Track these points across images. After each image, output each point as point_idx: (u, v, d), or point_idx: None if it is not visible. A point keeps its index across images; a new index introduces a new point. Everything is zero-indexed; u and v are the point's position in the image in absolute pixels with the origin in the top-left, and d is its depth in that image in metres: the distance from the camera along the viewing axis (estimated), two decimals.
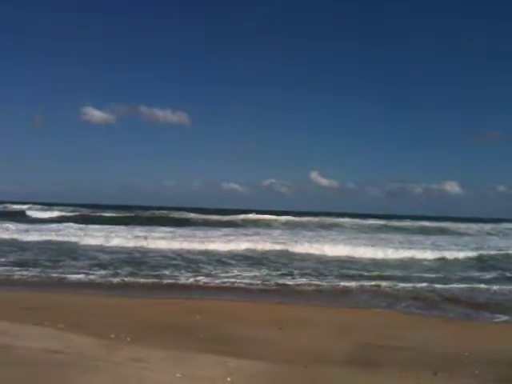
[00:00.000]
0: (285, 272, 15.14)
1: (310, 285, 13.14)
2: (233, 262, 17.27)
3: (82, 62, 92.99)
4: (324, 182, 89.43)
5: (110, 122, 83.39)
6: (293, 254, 20.35)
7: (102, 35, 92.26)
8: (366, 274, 15.44)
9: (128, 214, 46.06)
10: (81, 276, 13.13)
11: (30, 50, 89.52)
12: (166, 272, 14.30)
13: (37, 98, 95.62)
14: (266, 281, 13.46)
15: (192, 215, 47.68)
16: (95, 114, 77.54)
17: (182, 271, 14.51)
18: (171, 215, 47.74)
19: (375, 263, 18.51)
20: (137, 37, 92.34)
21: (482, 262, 19.53)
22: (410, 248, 22.10)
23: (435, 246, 24.40)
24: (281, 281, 13.55)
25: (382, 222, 46.42)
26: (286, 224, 43.78)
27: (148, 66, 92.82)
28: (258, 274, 14.51)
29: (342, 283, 13.37)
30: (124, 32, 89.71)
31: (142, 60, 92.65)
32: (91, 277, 13.12)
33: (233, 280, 13.35)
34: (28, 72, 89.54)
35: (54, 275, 13.19)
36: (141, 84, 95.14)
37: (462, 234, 38.69)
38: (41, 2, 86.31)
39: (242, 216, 47.76)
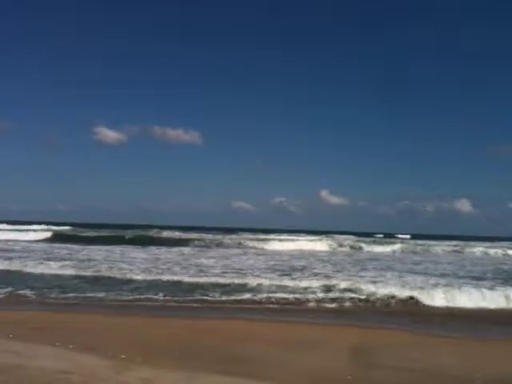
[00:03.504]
0: None
1: None
2: None
3: (95, 81, 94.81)
4: (334, 200, 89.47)
5: (122, 141, 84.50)
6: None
7: (114, 56, 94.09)
8: None
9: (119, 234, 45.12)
10: None
11: (44, 70, 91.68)
12: None
13: (50, 118, 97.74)
14: None
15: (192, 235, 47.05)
16: (108, 134, 78.63)
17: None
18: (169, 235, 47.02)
19: None
20: (147, 58, 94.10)
21: None
22: None
23: None
24: None
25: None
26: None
27: (160, 86, 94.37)
28: None
29: None
30: (135, 53, 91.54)
31: (154, 80, 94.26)
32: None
33: None
34: (41, 91, 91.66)
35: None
36: (153, 103, 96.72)
37: None
38: (57, 24, 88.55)
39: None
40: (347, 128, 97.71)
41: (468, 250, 40.84)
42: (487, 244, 45.81)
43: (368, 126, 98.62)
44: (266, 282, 16.38)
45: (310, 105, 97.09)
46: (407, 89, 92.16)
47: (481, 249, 40.84)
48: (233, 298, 13.62)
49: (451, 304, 13.27)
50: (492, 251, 40.16)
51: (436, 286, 15.72)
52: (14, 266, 18.94)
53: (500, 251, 40.05)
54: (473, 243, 46.73)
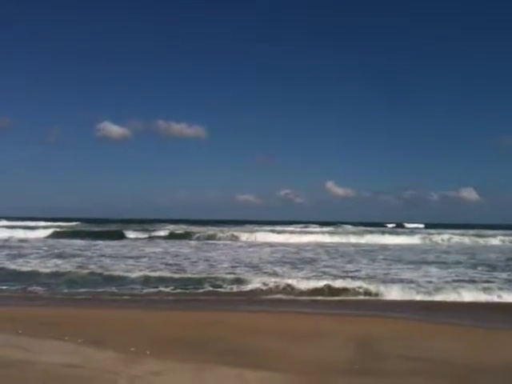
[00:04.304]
0: None
1: None
2: None
3: (98, 77, 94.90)
4: (340, 191, 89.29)
5: (126, 136, 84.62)
6: None
7: (118, 51, 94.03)
8: None
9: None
10: None
11: (48, 66, 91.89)
12: None
13: (54, 114, 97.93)
14: None
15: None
16: (112, 129, 78.74)
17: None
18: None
19: None
20: (151, 52, 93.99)
21: None
22: None
23: None
24: None
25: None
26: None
27: (163, 80, 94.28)
28: None
29: None
30: (139, 48, 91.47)
31: (158, 74, 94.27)
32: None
33: None
34: (46, 87, 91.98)
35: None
36: (157, 98, 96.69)
37: None
38: (59, 21, 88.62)
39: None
40: (350, 120, 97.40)
41: (478, 239, 40.09)
42: (496, 232, 45.39)
43: (371, 118, 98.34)
44: (274, 274, 16.42)
45: (312, 98, 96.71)
46: (417, 81, 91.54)
47: (492, 238, 40.10)
48: (241, 290, 13.63)
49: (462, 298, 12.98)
50: (507, 239, 39.57)
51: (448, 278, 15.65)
52: (23, 263, 19.07)
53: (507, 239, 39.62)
54: (484, 231, 46.20)
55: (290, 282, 14.31)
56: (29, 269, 17.19)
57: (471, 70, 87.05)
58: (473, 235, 41.84)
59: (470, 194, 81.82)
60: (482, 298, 12.78)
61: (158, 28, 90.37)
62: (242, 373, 6.09)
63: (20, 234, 39.18)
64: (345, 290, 13.31)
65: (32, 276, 15.71)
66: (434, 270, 18.31)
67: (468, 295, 12.92)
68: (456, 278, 15.69)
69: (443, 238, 40.15)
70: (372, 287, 13.56)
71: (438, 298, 12.73)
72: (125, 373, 5.93)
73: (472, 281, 15.09)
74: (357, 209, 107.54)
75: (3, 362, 6.11)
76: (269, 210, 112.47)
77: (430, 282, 14.66)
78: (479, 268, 19.02)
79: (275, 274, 16.43)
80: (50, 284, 14.33)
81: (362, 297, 12.91)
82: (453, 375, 6.29)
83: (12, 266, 17.92)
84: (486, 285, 14.14)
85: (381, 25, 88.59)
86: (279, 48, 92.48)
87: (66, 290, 13.49)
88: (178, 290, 13.53)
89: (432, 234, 42.89)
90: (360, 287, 13.42)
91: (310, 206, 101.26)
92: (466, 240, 39.33)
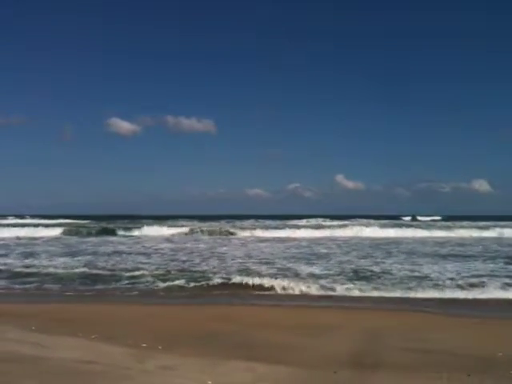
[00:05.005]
0: None
1: None
2: None
3: (108, 73, 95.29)
4: (349, 184, 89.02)
5: (136, 132, 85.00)
6: None
7: (127, 47, 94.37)
8: None
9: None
10: None
11: (57, 63, 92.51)
12: None
13: (63, 111, 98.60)
14: None
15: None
16: (122, 125, 79.17)
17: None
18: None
19: None
20: (161, 48, 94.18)
21: None
22: None
23: None
24: None
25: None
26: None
27: (173, 75, 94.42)
28: None
29: None
30: (148, 44, 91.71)
31: (167, 70, 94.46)
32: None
33: None
34: (56, 85, 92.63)
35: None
36: (166, 94, 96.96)
37: None
38: (70, 19, 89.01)
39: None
40: (359, 113, 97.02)
41: (494, 231, 38.92)
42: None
43: (380, 111, 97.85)
44: (286, 269, 16.43)
45: (320, 91, 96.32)
46: (417, 74, 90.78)
47: (507, 230, 39.25)
48: (252, 285, 13.62)
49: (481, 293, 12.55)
50: None
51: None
52: (36, 260, 19.26)
53: None
54: (500, 223, 45.53)
55: (302, 280, 14.27)
56: (41, 267, 17.34)
57: (483, 61, 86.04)
58: (489, 227, 41.07)
59: (482, 185, 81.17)
60: (503, 293, 12.51)
61: (166, 25, 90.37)
62: (253, 366, 6.13)
63: (32, 231, 39.42)
64: (355, 287, 13.23)
65: (45, 273, 15.86)
66: (450, 264, 18.06)
67: (487, 290, 12.70)
68: (475, 273, 15.43)
69: (459, 230, 39.40)
70: (384, 284, 13.50)
71: (456, 294, 12.48)
72: (137, 368, 5.99)
73: (491, 275, 14.85)
74: (367, 202, 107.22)
75: (17, 358, 6.18)
76: (279, 203, 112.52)
77: (449, 278, 14.41)
78: (498, 261, 18.82)
79: (287, 270, 16.45)
80: (62, 281, 14.46)
81: (371, 293, 12.82)
82: (463, 367, 6.27)
83: (24, 264, 18.11)
84: (507, 280, 13.87)
85: (380, 17, 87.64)
86: (281, 45, 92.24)
87: (78, 287, 13.60)
88: (190, 286, 13.58)
89: (448, 226, 42.23)
90: (374, 286, 13.34)
91: (319, 199, 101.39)
92: (483, 232, 38.47)
